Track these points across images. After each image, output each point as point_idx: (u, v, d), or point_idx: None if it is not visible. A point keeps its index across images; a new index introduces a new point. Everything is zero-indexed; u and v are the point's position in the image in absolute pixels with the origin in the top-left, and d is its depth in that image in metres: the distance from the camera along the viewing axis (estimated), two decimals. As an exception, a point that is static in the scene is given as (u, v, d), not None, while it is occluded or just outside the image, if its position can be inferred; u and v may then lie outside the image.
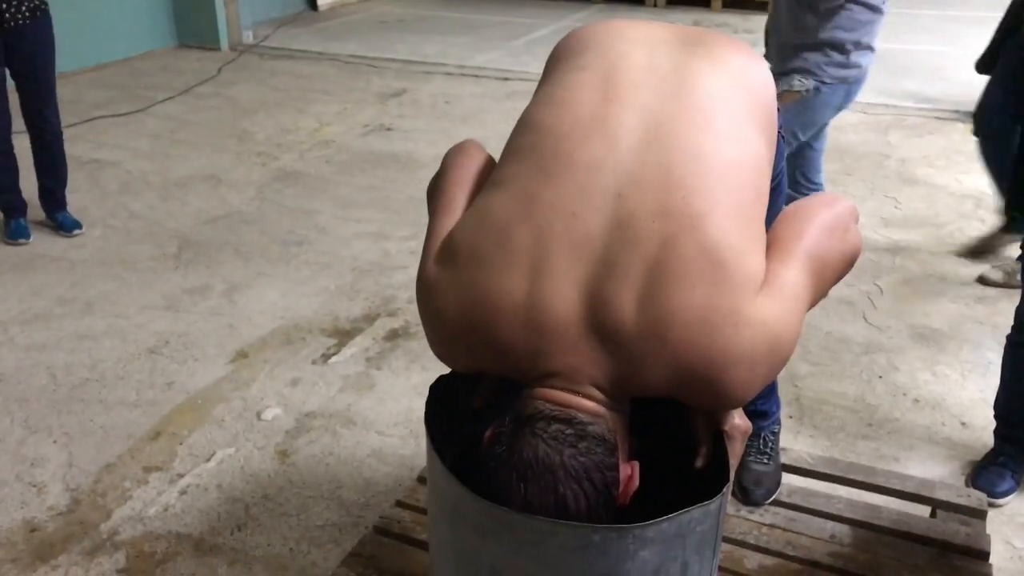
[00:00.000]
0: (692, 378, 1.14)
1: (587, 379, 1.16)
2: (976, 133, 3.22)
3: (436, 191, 1.39)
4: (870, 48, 2.74)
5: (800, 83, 2.73)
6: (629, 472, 1.15)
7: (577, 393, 1.15)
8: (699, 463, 1.26)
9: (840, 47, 2.70)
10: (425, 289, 1.25)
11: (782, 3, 2.79)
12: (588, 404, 1.15)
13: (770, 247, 1.23)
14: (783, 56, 2.80)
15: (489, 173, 1.35)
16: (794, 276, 1.20)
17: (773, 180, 1.55)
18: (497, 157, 1.36)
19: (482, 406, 1.38)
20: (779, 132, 1.50)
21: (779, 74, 2.75)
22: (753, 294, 1.15)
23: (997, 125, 3.20)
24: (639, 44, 1.37)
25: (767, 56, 2.87)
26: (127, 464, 2.30)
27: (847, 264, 1.31)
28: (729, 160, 1.23)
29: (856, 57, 2.72)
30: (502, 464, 1.11)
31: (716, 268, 1.13)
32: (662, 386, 1.16)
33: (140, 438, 2.40)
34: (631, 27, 1.43)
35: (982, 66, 3.28)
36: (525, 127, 1.32)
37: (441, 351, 1.27)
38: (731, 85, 1.33)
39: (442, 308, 1.22)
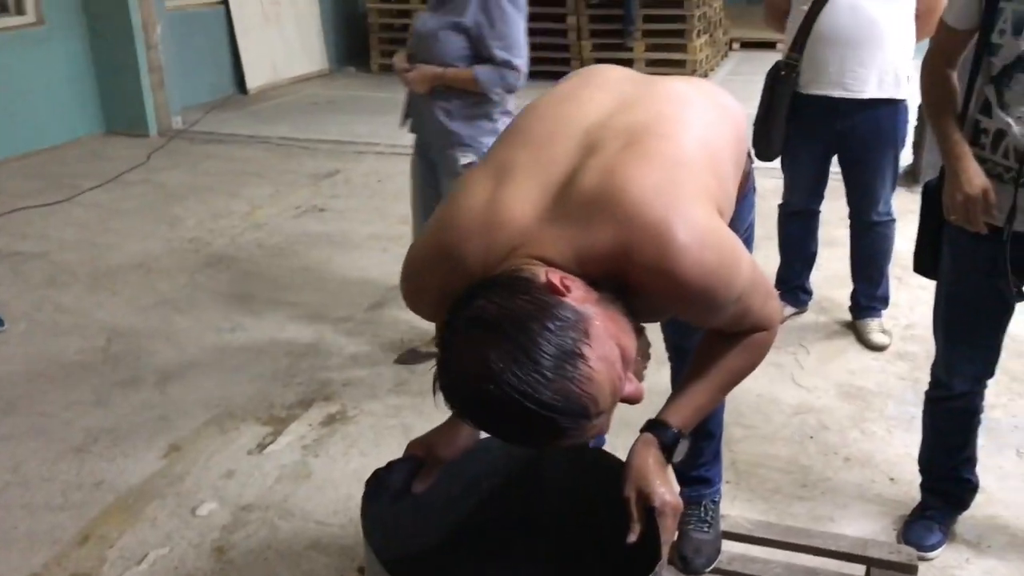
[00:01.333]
0: (641, 240, 1.14)
1: (537, 257, 1.17)
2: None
3: None
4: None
5: (465, 157, 2.83)
6: (620, 327, 1.14)
7: (534, 264, 1.16)
8: (631, 539, 1.28)
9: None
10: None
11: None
12: (526, 268, 1.15)
13: None
14: (433, 136, 2.90)
15: None
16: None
17: (743, 233, 1.65)
18: None
19: (423, 491, 1.38)
20: (752, 186, 1.62)
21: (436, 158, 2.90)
22: (711, 202, 1.24)
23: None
24: (619, 71, 1.55)
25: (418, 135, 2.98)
26: (53, 572, 2.21)
27: (766, 320, 1.38)
28: (697, 124, 1.36)
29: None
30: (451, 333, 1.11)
31: (678, 165, 1.23)
32: (607, 249, 1.16)
33: (67, 543, 2.31)
34: (613, 66, 1.61)
35: (773, 152, 3.25)
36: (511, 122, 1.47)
37: (411, 288, 1.34)
38: (703, 96, 1.48)
39: (416, 247, 1.33)
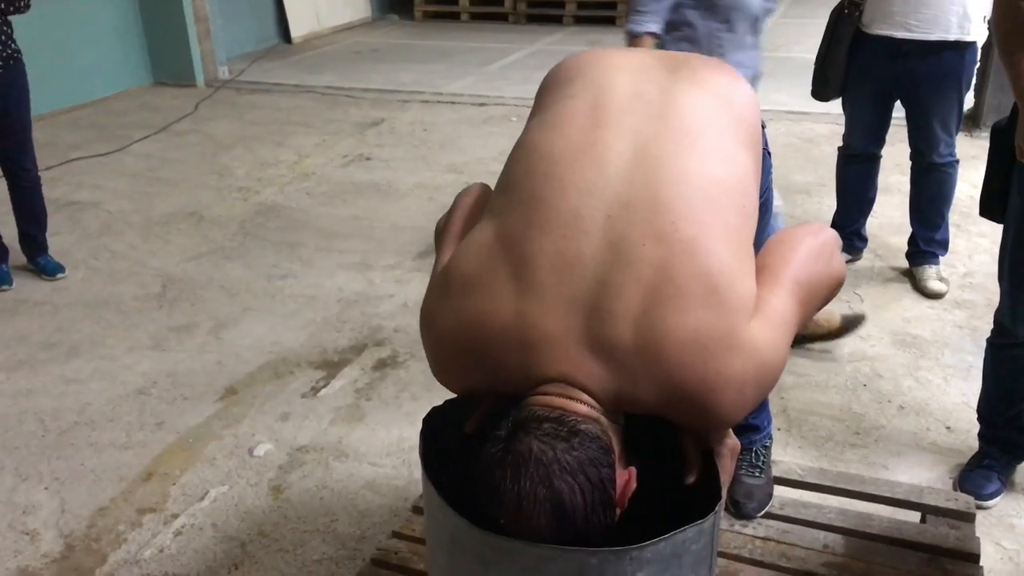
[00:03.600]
0: (683, 398, 1.16)
1: (579, 386, 1.18)
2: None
3: (442, 230, 1.45)
4: None
5: None
6: (627, 477, 1.16)
7: (570, 398, 1.17)
8: (689, 480, 1.28)
9: None
10: (425, 319, 1.31)
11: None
12: (581, 407, 1.16)
13: (759, 273, 1.27)
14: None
15: None
16: (783, 303, 1.24)
17: (761, 196, 1.60)
18: (477, 181, 1.41)
19: (475, 431, 1.39)
20: (765, 148, 1.54)
21: None
22: (746, 319, 1.18)
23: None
24: (625, 71, 1.43)
25: None
26: (120, 507, 2.29)
27: (832, 290, 1.36)
28: (715, 179, 1.27)
29: None
30: (496, 465, 1.11)
31: (710, 293, 1.16)
32: (652, 402, 1.18)
33: (132, 480, 2.39)
34: (617, 55, 1.50)
35: (831, 92, 3.18)
36: (519, 155, 1.37)
37: (442, 376, 1.32)
38: (715, 105, 1.38)
39: (439, 334, 1.27)
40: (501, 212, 1.29)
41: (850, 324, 2.87)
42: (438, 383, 1.27)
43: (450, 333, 1.24)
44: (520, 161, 1.35)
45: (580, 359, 1.17)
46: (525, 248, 1.22)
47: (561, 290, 1.18)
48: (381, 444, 2.51)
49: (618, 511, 1.16)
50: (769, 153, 1.61)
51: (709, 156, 1.29)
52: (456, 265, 1.28)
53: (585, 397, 1.18)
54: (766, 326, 1.20)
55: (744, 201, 1.30)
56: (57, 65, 5.96)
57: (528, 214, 1.25)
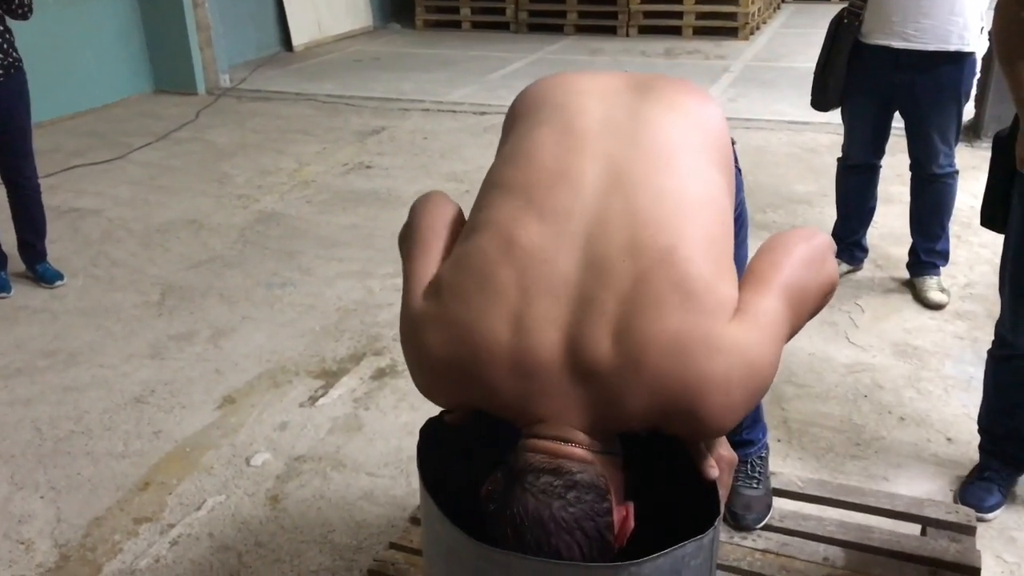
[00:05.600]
0: (671, 407, 1.16)
1: (573, 423, 1.18)
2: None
3: (408, 237, 1.42)
4: None
5: None
6: (624, 514, 1.16)
7: (565, 441, 1.17)
8: (712, 472, 1.26)
9: None
10: (411, 325, 1.27)
11: None
12: (576, 452, 1.16)
13: (748, 278, 1.26)
14: None
15: (458, 222, 1.40)
16: (771, 304, 1.23)
17: (735, 210, 1.59)
18: (477, 190, 1.39)
19: (458, 422, 1.36)
20: (736, 166, 1.54)
21: None
22: (725, 321, 1.18)
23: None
24: (593, 96, 1.42)
25: None
26: (116, 516, 2.28)
27: (824, 296, 1.35)
28: (691, 195, 1.28)
29: None
30: (495, 521, 1.14)
31: (687, 298, 1.16)
32: (642, 418, 1.17)
33: (129, 489, 2.38)
34: (583, 79, 1.48)
35: (830, 102, 3.21)
36: (493, 184, 1.35)
37: (426, 386, 1.29)
38: (686, 126, 1.38)
39: (428, 343, 1.24)
40: (485, 230, 1.27)
41: None
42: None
43: (442, 344, 1.22)
44: (496, 188, 1.33)
45: (570, 391, 1.17)
46: (515, 270, 1.21)
47: (550, 315, 1.18)
48: (379, 454, 2.50)
49: (616, 548, 1.16)
50: (739, 171, 1.61)
51: (684, 175, 1.30)
52: (447, 276, 1.26)
53: (580, 437, 1.17)
54: (752, 326, 1.19)
55: (721, 216, 1.30)
56: (58, 72, 5.97)
57: (513, 234, 1.24)
